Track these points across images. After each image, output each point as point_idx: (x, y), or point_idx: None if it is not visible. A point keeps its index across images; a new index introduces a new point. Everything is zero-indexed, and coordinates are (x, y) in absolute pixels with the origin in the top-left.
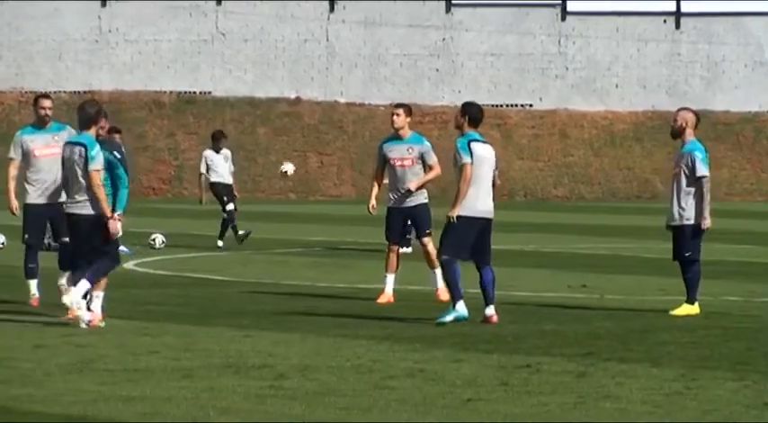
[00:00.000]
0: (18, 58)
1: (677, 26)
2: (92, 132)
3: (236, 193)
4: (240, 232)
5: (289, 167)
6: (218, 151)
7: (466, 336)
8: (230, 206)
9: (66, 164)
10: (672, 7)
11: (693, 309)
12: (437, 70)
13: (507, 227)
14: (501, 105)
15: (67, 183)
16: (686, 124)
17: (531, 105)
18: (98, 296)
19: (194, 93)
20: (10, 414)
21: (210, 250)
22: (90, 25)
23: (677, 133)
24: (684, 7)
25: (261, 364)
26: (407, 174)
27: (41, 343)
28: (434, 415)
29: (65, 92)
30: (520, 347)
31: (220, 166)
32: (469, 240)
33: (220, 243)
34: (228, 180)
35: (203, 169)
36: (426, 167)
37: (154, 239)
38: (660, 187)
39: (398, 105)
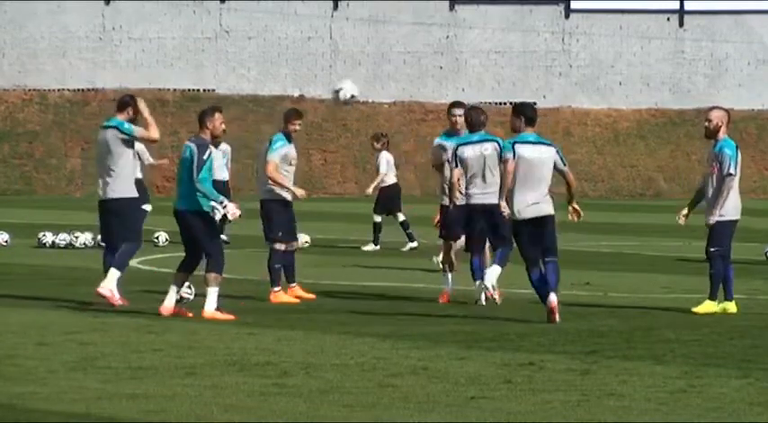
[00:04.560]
0: (21, 56)
1: (681, 24)
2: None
3: (230, 190)
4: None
5: None
6: (216, 146)
7: (469, 334)
8: None
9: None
10: (675, 5)
11: (713, 306)
12: (441, 68)
13: None
14: (504, 103)
15: None
16: (722, 123)
17: (534, 103)
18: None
19: (198, 90)
20: (13, 411)
21: None
22: (93, 23)
23: (714, 133)
24: (688, 5)
25: (264, 362)
26: None
27: (44, 341)
28: (438, 413)
29: (68, 90)
30: (523, 345)
31: (217, 161)
32: (522, 240)
33: (224, 237)
34: (221, 176)
35: None
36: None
37: (157, 237)
38: (664, 185)
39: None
